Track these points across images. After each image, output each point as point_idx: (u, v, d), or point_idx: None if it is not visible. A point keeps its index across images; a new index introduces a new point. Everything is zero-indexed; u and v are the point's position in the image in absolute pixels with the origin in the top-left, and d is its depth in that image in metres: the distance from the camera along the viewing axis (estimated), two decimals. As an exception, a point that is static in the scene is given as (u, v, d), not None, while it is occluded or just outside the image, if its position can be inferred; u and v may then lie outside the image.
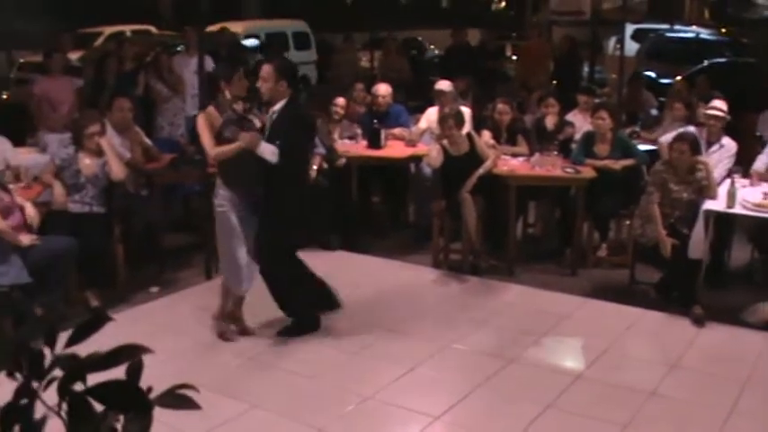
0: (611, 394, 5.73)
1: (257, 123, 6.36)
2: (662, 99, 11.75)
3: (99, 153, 7.13)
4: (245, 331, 6.69)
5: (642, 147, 9.01)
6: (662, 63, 17.57)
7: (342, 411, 5.44)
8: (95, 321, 1.76)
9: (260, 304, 6.84)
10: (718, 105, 8.17)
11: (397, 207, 10.17)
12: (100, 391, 1.65)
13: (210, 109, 6.46)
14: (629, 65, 13.26)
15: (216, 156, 6.29)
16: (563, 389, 5.75)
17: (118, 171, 7.13)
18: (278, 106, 6.31)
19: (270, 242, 6.44)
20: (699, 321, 6.89)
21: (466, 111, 8.84)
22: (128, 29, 20.38)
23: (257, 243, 6.43)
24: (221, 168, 6.38)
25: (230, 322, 6.70)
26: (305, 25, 20.78)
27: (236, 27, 19.48)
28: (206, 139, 6.34)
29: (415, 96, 13.58)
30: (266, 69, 6.29)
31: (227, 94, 6.40)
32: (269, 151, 6.13)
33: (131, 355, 1.70)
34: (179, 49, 13.34)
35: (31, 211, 6.69)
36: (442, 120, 8.27)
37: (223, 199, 6.34)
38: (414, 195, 9.90)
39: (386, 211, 10.24)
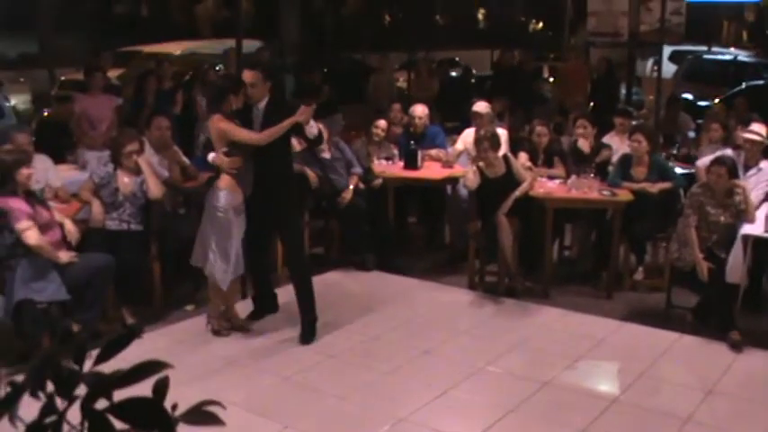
0: (647, 419, 5.68)
1: None
2: (699, 121, 11.67)
3: (137, 171, 7.19)
4: (241, 328, 7.08)
5: (679, 170, 8.95)
6: (700, 85, 17.49)
7: (374, 432, 5.43)
8: (124, 338, 1.76)
9: (289, 323, 6.88)
10: (757, 129, 8.12)
11: (434, 228, 10.15)
12: (122, 408, 1.65)
13: (218, 116, 6.62)
14: (666, 87, 13.19)
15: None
16: (598, 413, 5.70)
17: (155, 190, 7.19)
18: (263, 103, 6.79)
19: (291, 219, 7.08)
20: (736, 346, 6.82)
21: (502, 133, 8.84)
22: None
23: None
24: (241, 170, 6.64)
25: (225, 320, 7.06)
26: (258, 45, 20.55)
27: (170, 48, 18.68)
28: (241, 132, 6.61)
29: (454, 117, 13.57)
30: (255, 75, 6.74)
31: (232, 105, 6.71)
32: (315, 127, 6.82)
33: (153, 370, 1.70)
34: (217, 68, 13.44)
35: (70, 227, 6.74)
36: (478, 142, 8.27)
37: (224, 200, 6.61)
38: (450, 217, 9.88)
39: (422, 232, 10.24)
